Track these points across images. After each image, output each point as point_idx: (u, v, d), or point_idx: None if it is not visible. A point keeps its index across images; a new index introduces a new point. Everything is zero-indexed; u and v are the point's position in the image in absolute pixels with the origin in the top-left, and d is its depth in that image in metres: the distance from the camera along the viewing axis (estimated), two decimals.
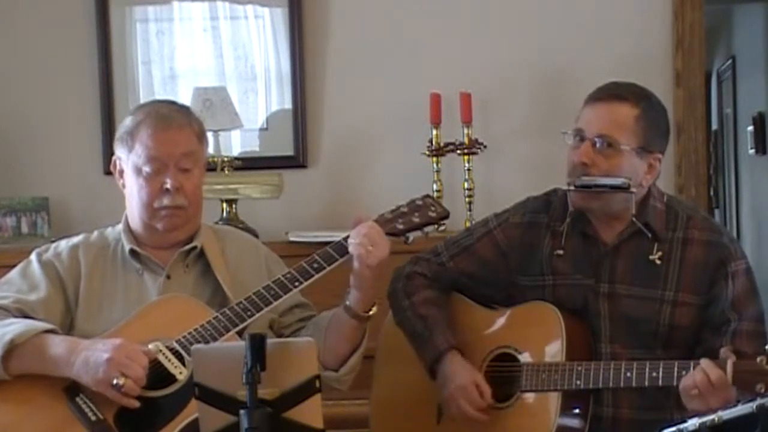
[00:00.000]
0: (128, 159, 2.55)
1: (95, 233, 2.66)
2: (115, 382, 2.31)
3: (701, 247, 2.54)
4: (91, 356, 2.35)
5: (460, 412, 2.55)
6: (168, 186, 2.51)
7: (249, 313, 2.45)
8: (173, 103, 2.70)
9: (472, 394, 2.54)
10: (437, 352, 2.61)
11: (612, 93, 2.55)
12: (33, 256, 2.60)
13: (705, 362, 2.30)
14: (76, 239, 2.64)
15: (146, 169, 2.52)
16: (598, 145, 2.51)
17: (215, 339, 2.40)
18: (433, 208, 2.63)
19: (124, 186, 2.60)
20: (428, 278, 2.73)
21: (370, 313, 2.53)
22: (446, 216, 2.65)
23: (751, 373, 2.24)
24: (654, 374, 2.39)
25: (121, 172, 2.59)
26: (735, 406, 2.20)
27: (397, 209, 2.62)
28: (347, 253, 2.49)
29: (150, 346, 2.40)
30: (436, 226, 2.68)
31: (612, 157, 2.50)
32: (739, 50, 7.03)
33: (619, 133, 2.50)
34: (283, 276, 2.51)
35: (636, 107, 2.52)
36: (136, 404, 2.34)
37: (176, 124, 2.55)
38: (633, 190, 2.50)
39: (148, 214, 2.55)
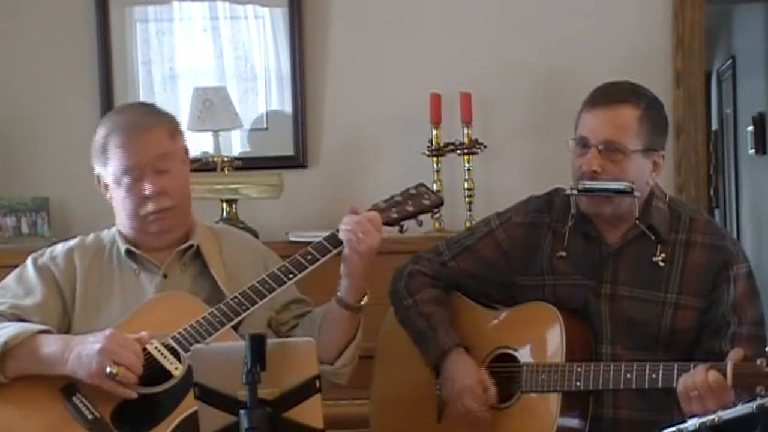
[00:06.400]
0: (107, 173, 2.54)
1: (91, 236, 2.65)
2: (108, 370, 2.30)
3: (704, 251, 2.53)
4: (83, 350, 2.34)
5: (465, 410, 2.55)
6: (147, 192, 2.49)
7: (243, 307, 2.44)
8: (141, 105, 2.66)
9: (478, 392, 2.54)
10: (441, 350, 2.60)
11: (612, 97, 2.53)
12: (28, 261, 2.59)
13: (705, 366, 2.31)
14: (71, 242, 2.63)
15: (125, 179, 2.50)
16: (605, 151, 2.49)
17: (210, 334, 2.40)
18: (426, 197, 2.62)
19: (111, 198, 2.58)
20: (430, 277, 2.72)
21: (362, 303, 2.53)
22: (440, 203, 2.64)
23: (751, 376, 2.24)
24: (654, 376, 2.39)
25: (106, 186, 2.58)
26: (735, 406, 2.20)
27: (390, 199, 2.61)
28: (341, 243, 2.48)
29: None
30: (431, 216, 2.66)
31: (620, 162, 2.49)
32: (739, 50, 7.02)
33: (625, 137, 2.49)
34: (277, 269, 2.50)
35: (637, 108, 2.51)
36: (134, 395, 2.33)
37: (144, 129, 2.51)
38: (636, 194, 2.49)
39: (137, 223, 2.54)
